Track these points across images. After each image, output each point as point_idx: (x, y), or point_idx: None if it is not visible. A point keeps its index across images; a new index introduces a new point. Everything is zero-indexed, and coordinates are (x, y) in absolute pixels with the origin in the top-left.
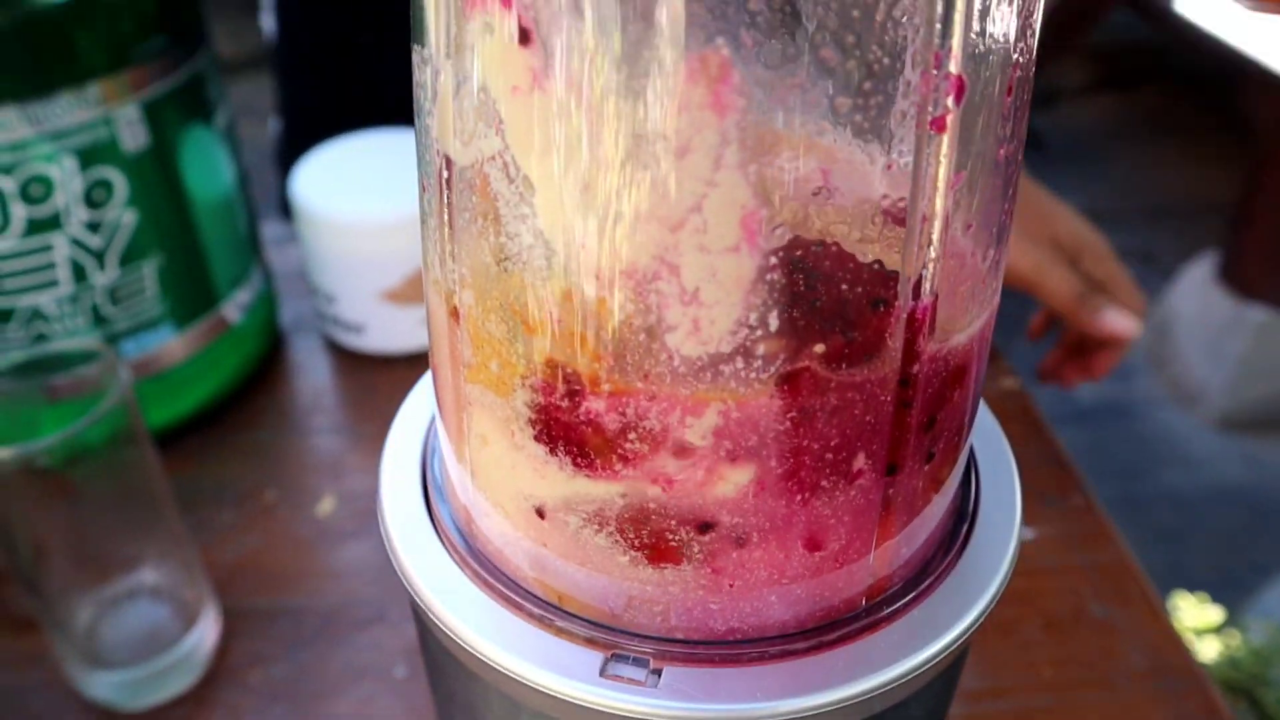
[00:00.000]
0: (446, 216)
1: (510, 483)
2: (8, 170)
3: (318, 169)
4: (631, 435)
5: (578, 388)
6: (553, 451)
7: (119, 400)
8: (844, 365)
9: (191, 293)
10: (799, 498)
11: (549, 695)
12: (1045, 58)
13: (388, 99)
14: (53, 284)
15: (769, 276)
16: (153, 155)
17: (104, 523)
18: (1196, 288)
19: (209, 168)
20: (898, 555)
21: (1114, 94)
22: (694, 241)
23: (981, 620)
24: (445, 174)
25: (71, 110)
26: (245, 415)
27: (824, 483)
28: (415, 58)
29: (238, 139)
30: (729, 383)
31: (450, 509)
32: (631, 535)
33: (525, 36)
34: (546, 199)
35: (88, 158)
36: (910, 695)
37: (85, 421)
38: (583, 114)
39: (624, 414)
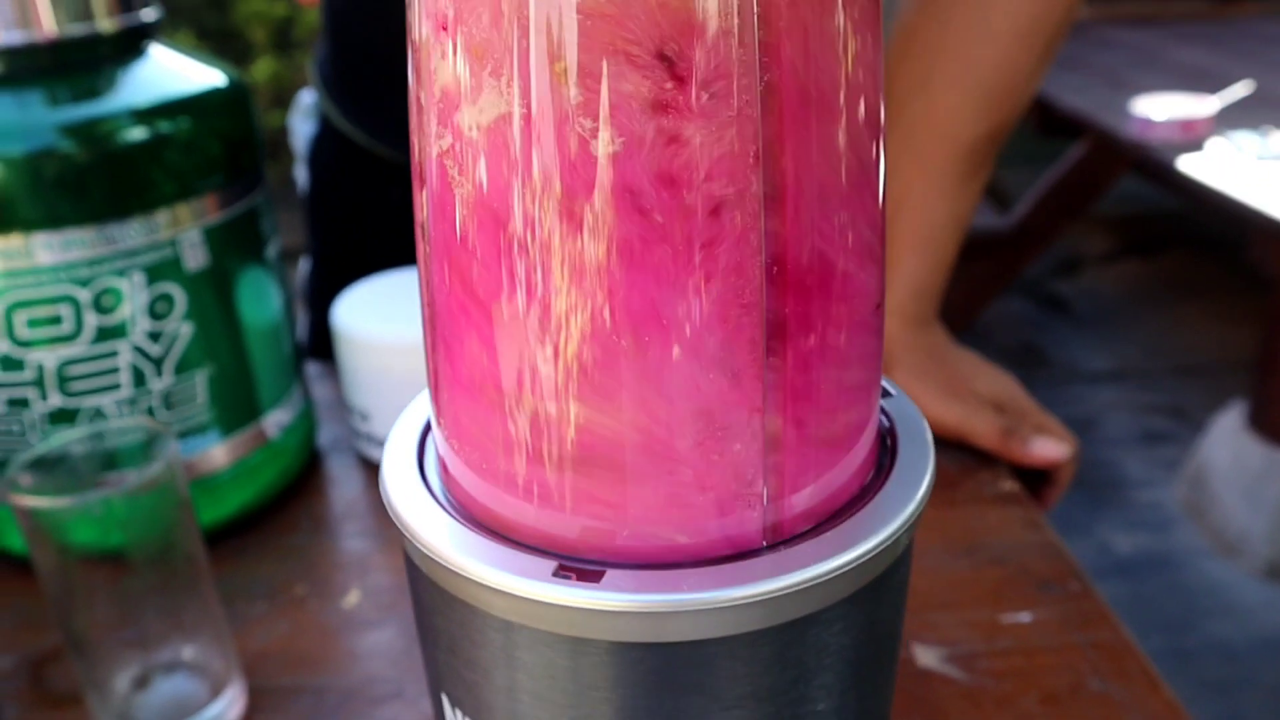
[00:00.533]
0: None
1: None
2: (84, 283)
3: (357, 299)
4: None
5: None
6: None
7: (169, 464)
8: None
9: (237, 404)
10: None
11: (511, 595)
12: (1062, 226)
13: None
14: (115, 387)
15: None
16: (210, 275)
17: (151, 602)
18: (1228, 437)
19: (258, 291)
20: (803, 473)
21: (1136, 260)
22: None
23: (895, 539)
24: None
25: (142, 233)
26: (282, 521)
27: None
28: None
29: (285, 270)
30: None
31: (439, 471)
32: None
33: None
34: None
35: (153, 274)
36: (825, 609)
37: (137, 479)
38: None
39: None
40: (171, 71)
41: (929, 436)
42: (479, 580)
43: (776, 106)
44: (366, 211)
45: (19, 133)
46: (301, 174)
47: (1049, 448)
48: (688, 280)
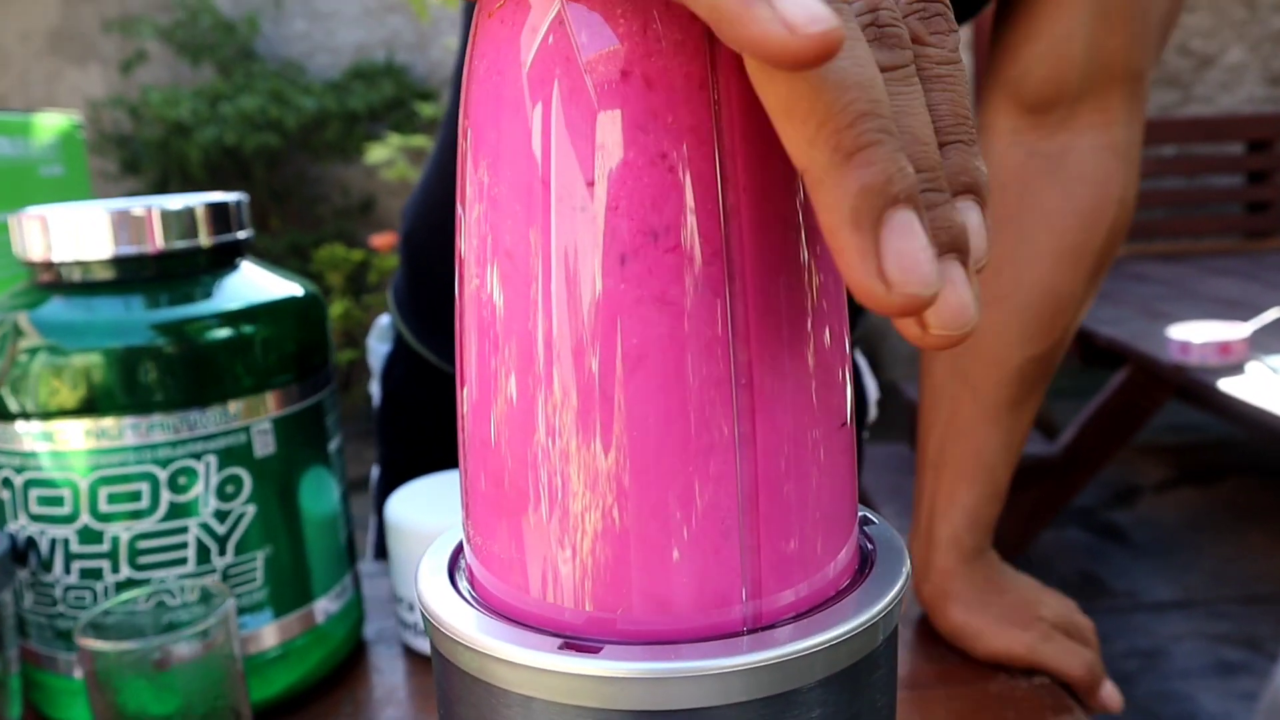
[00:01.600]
0: None
1: None
2: (163, 464)
3: (410, 493)
4: None
5: None
6: None
7: (224, 620)
8: None
9: (291, 586)
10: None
11: (523, 667)
12: (1109, 453)
13: None
14: (181, 562)
15: None
16: (276, 462)
17: None
18: None
19: (319, 481)
20: (780, 583)
21: (1193, 488)
22: None
23: (870, 626)
24: None
25: (218, 421)
26: (325, 704)
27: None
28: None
29: (344, 464)
30: None
31: (466, 577)
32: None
33: None
34: None
35: (225, 459)
36: (803, 688)
37: (194, 630)
38: None
39: None
40: (257, 282)
41: (905, 550)
42: (497, 655)
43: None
44: (432, 422)
45: (122, 330)
46: (376, 389)
47: (1114, 698)
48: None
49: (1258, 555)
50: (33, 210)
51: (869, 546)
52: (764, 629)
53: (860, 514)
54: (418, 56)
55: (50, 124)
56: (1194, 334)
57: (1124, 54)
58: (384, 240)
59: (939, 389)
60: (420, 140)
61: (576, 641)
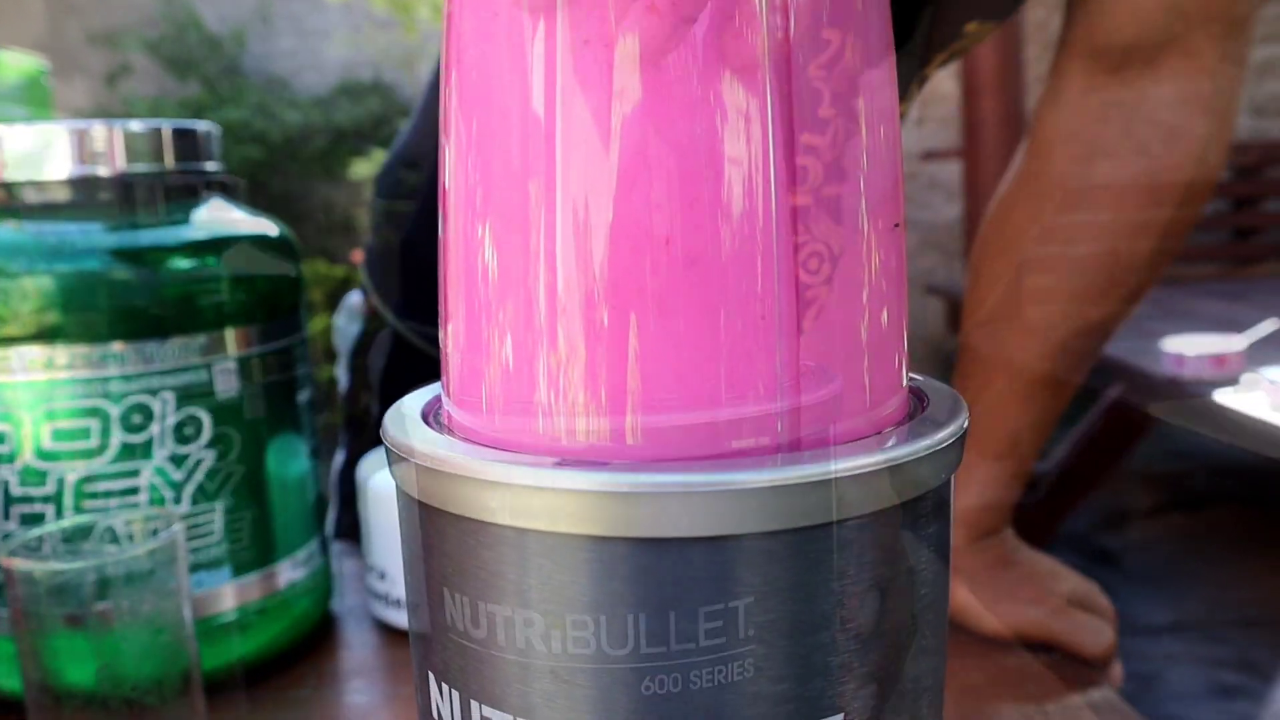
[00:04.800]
0: None
1: None
2: (116, 399)
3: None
4: None
5: None
6: None
7: (170, 541)
8: None
9: (253, 544)
10: None
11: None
12: (1102, 473)
13: None
14: (133, 507)
15: None
16: (239, 406)
17: None
18: None
19: (285, 433)
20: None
21: (1186, 513)
22: None
23: (934, 453)
24: None
25: (176, 355)
26: (289, 677)
27: None
28: None
29: (315, 422)
30: None
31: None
32: None
33: None
34: None
35: (183, 397)
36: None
37: (133, 551)
38: None
39: None
40: (225, 215)
41: (961, 400)
42: (490, 480)
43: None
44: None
45: (75, 253)
46: (342, 373)
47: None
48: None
49: (1252, 580)
50: None
51: (921, 398)
52: (799, 452)
53: (910, 378)
54: (405, 74)
55: (15, 64)
56: (1188, 347)
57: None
58: None
59: (974, 356)
60: None
61: (577, 460)
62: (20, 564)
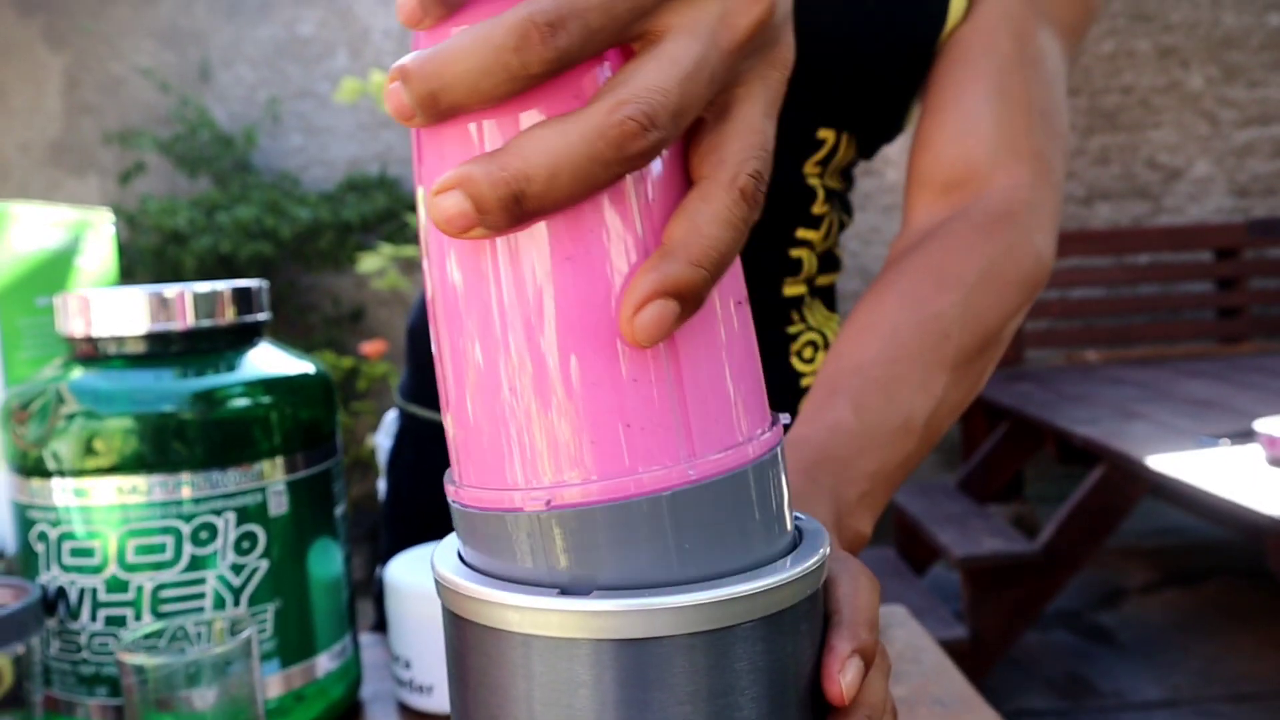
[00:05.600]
0: None
1: None
2: (187, 519)
3: (409, 558)
4: None
5: None
6: None
7: (246, 640)
8: None
9: (297, 639)
10: None
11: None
12: (1090, 550)
13: None
14: (199, 610)
15: None
16: (288, 521)
17: None
18: None
19: (325, 541)
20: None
21: (1177, 589)
22: None
23: (793, 583)
24: None
25: (237, 481)
26: None
27: None
28: None
29: (348, 529)
30: None
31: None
32: None
33: None
34: None
35: (242, 516)
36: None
37: (223, 645)
38: None
39: None
40: (274, 358)
41: (826, 535)
42: (501, 603)
43: None
44: (439, 505)
45: (152, 398)
46: (382, 484)
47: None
48: None
49: (1244, 655)
50: (75, 292)
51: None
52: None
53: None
54: (410, 170)
55: (88, 219)
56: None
57: (1026, 134)
58: (374, 348)
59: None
60: (411, 251)
61: (571, 587)
62: (134, 659)
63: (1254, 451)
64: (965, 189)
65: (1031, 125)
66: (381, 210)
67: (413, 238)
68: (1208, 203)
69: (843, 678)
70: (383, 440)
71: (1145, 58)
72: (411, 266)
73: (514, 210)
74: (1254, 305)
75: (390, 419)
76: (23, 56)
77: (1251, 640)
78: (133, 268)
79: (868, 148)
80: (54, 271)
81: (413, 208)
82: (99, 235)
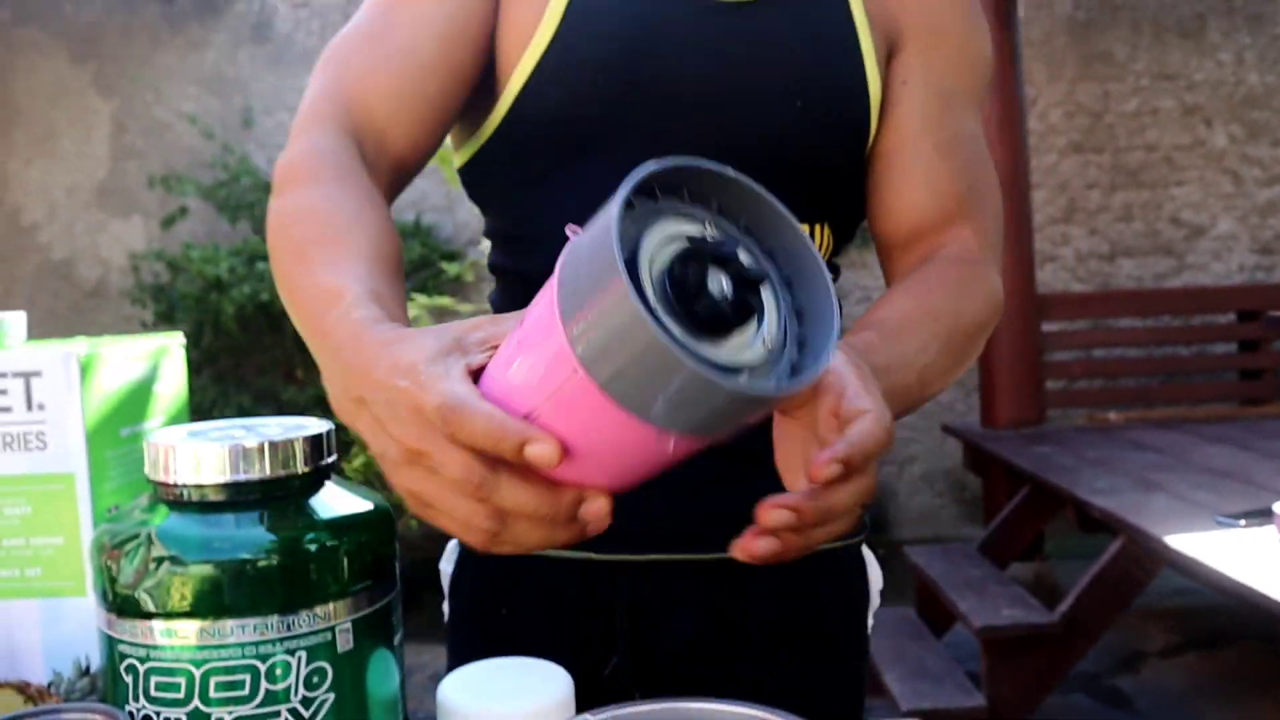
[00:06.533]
0: None
1: None
2: (263, 659)
3: (464, 675)
4: None
5: None
6: None
7: None
8: None
9: None
10: None
11: None
12: (1109, 619)
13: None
14: None
15: None
16: (354, 655)
17: None
18: None
19: (386, 669)
20: None
21: (1198, 653)
22: None
23: None
24: None
25: (308, 622)
26: None
27: None
28: None
29: (404, 652)
30: None
31: None
32: None
33: None
34: None
35: (312, 654)
36: None
37: None
38: None
39: None
40: (341, 500)
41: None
42: None
43: None
44: (497, 623)
45: (235, 546)
46: (446, 606)
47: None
48: None
49: (1267, 718)
50: (162, 437)
51: None
52: None
53: None
54: (445, 217)
55: (164, 345)
56: None
57: (958, 206)
58: None
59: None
60: (445, 300)
61: None
62: None
63: (1270, 534)
64: (925, 242)
65: (962, 196)
66: (416, 258)
67: (446, 286)
68: (1231, 259)
69: (825, 470)
70: (445, 566)
71: (1169, 115)
72: (445, 316)
73: None
74: (1277, 368)
75: (452, 545)
76: (74, 102)
77: (1273, 707)
78: (172, 312)
79: (843, 234)
80: (135, 402)
81: (448, 256)
82: (173, 359)
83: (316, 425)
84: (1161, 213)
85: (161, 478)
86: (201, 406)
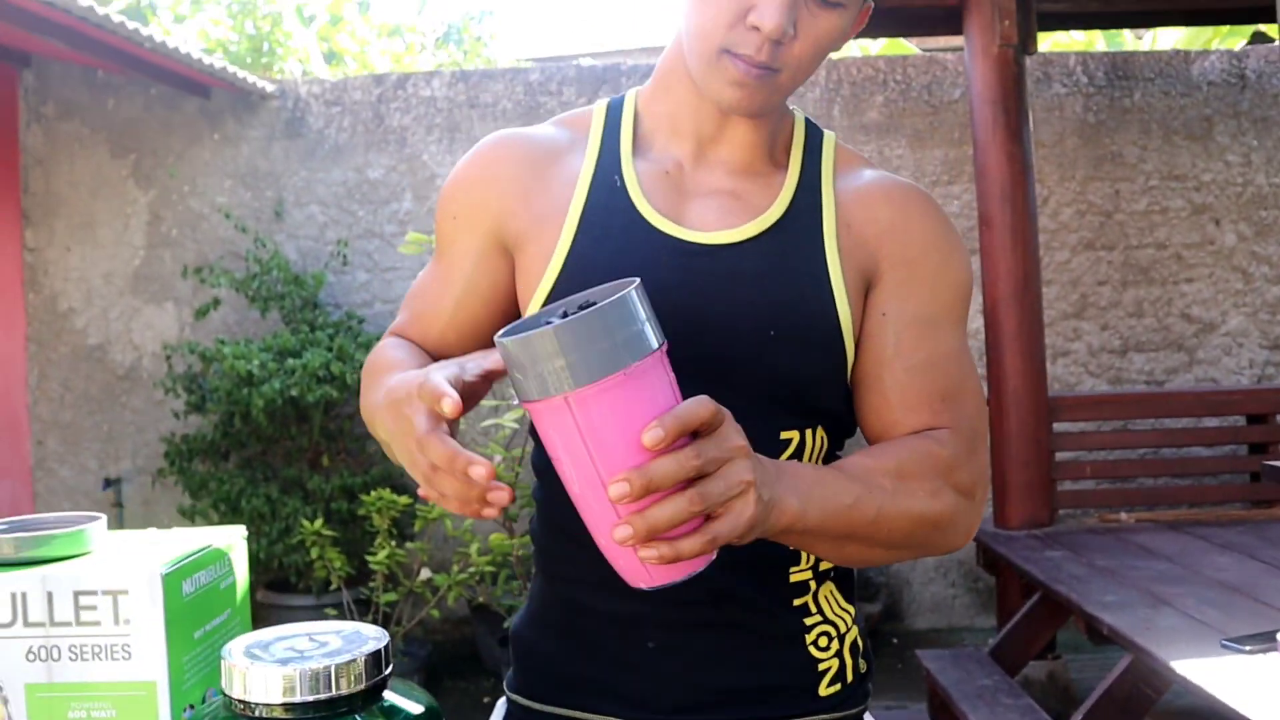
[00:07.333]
0: None
1: None
2: None
3: None
4: None
5: None
6: None
7: None
8: None
9: None
10: None
11: None
12: None
13: None
14: None
15: None
16: None
17: None
18: None
19: None
20: None
21: None
22: None
23: None
24: None
25: None
26: None
27: None
28: None
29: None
30: None
31: None
32: None
33: None
34: None
35: None
36: None
37: None
38: None
39: None
40: (398, 704)
41: None
42: None
43: None
44: None
45: None
46: None
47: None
48: None
49: None
50: (239, 658)
51: None
52: None
53: None
54: None
55: (230, 542)
56: None
57: (932, 411)
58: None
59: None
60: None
61: None
62: None
63: (1274, 662)
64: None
65: (937, 409)
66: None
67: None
68: (1241, 355)
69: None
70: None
71: (1178, 214)
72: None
73: None
74: None
75: (500, 706)
76: (112, 193)
77: None
78: (203, 403)
79: (840, 433)
80: (207, 604)
81: None
82: (237, 554)
83: (374, 638)
84: (1172, 309)
85: (237, 694)
86: (230, 495)
